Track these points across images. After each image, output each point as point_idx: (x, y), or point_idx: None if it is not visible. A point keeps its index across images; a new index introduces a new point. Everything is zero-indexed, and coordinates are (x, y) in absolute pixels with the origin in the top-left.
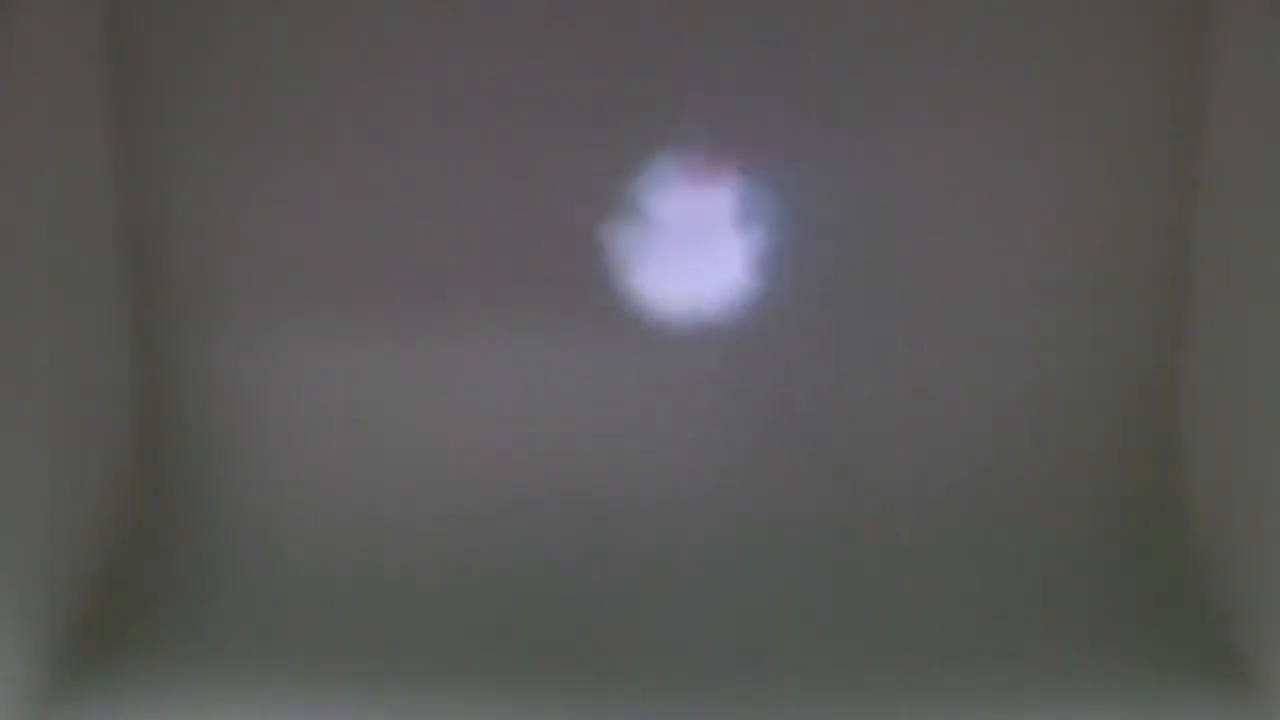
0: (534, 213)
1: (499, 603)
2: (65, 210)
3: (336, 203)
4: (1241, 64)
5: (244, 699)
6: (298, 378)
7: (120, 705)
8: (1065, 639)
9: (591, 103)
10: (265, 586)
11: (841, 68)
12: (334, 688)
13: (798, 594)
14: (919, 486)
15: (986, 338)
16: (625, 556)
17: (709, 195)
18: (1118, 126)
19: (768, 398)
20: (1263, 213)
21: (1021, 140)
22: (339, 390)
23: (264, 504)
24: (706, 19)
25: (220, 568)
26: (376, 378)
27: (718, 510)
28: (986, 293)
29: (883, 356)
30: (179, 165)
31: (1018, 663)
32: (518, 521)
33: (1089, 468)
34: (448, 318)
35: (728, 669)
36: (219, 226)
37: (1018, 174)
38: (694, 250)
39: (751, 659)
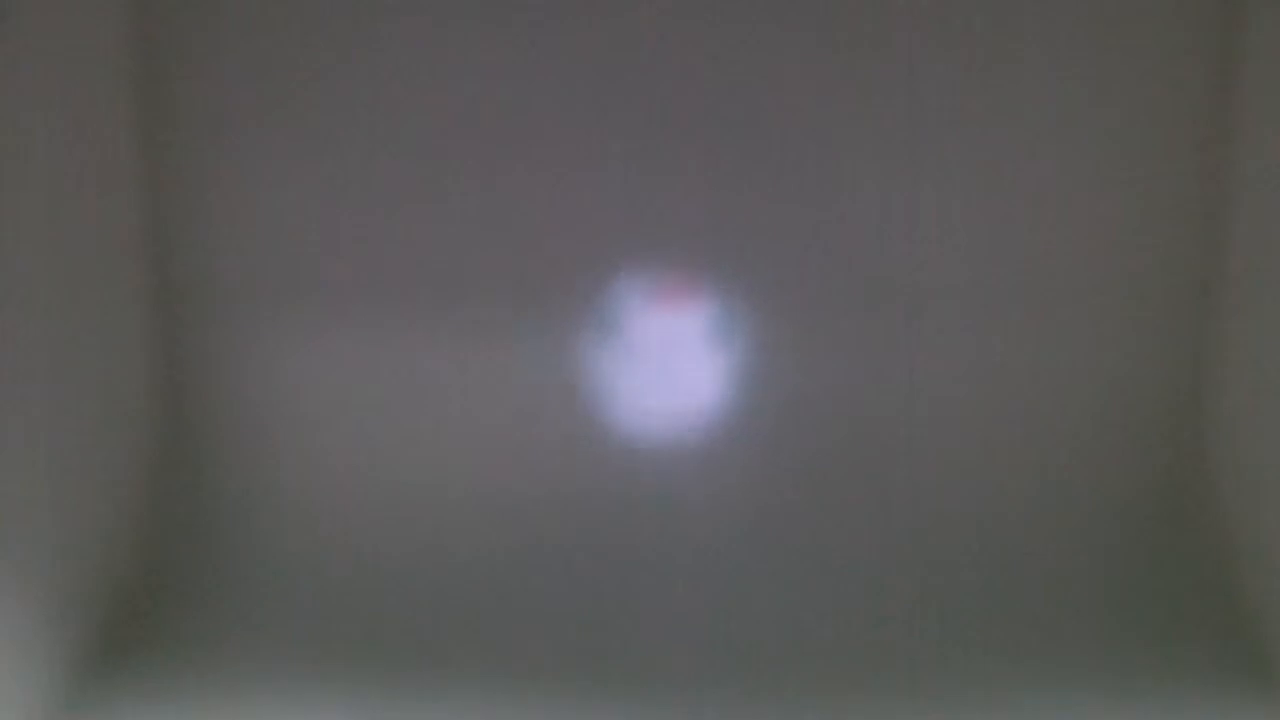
0: (539, 211)
1: (509, 603)
2: (85, 210)
3: (353, 205)
4: (1275, 64)
5: (259, 702)
6: (311, 379)
7: (137, 710)
8: (1091, 640)
9: (595, 101)
10: (281, 589)
11: (855, 63)
12: (349, 690)
13: (805, 596)
14: (941, 489)
15: (1013, 339)
16: (625, 557)
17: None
18: (1148, 129)
19: (779, 400)
20: None
21: (1048, 143)
22: (354, 392)
23: (281, 506)
24: None
25: (236, 571)
26: (389, 378)
27: (718, 510)
28: (1011, 294)
29: (905, 356)
30: (199, 166)
31: (1042, 662)
32: (524, 522)
33: (1116, 469)
34: (461, 318)
35: (727, 669)
36: (231, 227)
37: (1043, 177)
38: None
39: (753, 660)
